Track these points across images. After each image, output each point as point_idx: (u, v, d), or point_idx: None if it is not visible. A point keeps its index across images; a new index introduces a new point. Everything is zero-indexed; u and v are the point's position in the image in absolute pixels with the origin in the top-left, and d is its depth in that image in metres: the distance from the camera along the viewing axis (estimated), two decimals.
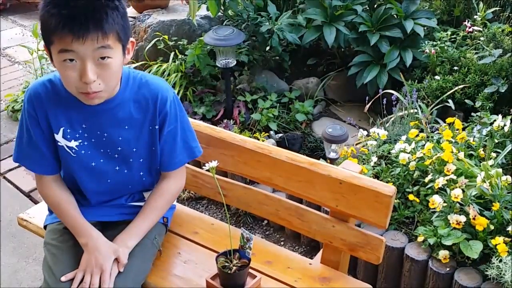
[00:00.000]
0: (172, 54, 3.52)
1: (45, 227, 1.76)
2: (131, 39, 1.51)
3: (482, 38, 3.17)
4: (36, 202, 2.88)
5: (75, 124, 1.55)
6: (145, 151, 1.63)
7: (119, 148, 1.59)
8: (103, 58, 1.39)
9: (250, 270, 1.59)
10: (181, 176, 1.74)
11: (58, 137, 1.55)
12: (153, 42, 3.55)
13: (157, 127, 1.59)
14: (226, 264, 1.55)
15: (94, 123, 1.55)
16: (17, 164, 3.23)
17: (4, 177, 3.16)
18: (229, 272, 1.53)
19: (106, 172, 1.62)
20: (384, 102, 2.98)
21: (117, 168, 1.62)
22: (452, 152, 2.21)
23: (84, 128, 1.55)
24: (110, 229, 1.66)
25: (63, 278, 1.50)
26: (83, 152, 1.57)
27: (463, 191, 2.06)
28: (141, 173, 1.67)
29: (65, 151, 1.57)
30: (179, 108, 1.64)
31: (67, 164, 1.60)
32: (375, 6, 3.51)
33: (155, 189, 1.70)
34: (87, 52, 1.36)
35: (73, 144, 1.56)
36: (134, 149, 1.61)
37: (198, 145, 1.71)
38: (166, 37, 3.57)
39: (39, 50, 3.78)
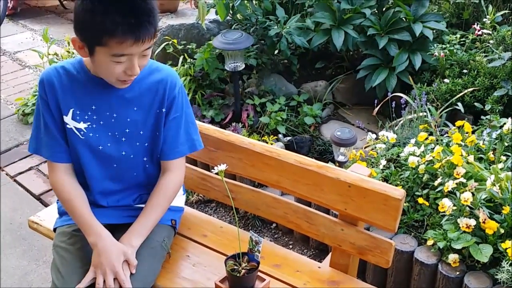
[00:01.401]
0: (181, 58, 3.53)
1: (54, 229, 1.77)
2: None
3: (491, 41, 3.15)
4: (46, 205, 2.90)
5: (84, 105, 1.58)
6: (150, 134, 1.65)
7: (127, 130, 1.62)
8: (144, 51, 1.48)
9: (259, 273, 1.59)
10: (180, 169, 1.74)
11: (67, 119, 1.58)
12: (162, 46, 3.57)
13: (164, 110, 1.63)
14: (235, 267, 1.55)
15: (104, 104, 1.58)
16: (27, 167, 3.28)
17: (15, 180, 3.19)
18: (238, 275, 1.53)
19: (112, 156, 1.63)
20: (393, 105, 2.97)
21: (124, 152, 1.64)
22: (461, 155, 2.20)
23: (94, 110, 1.59)
24: (118, 232, 1.67)
25: (80, 285, 1.52)
26: (91, 134, 1.60)
27: (473, 194, 2.05)
28: (145, 159, 1.68)
29: (73, 133, 1.59)
30: (185, 99, 1.69)
31: (74, 147, 1.61)
32: (384, 9, 3.51)
33: (155, 187, 1.70)
34: (139, 51, 1.45)
35: (82, 126, 1.59)
36: (141, 132, 1.64)
37: (199, 138, 1.74)
38: (175, 41, 3.59)
39: (49, 54, 3.82)
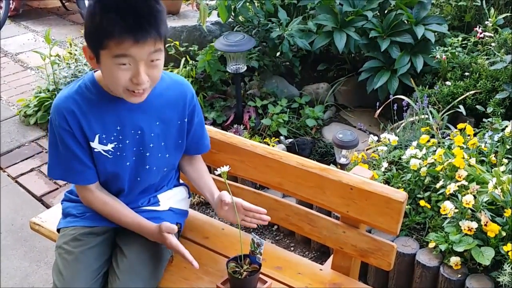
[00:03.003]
0: (183, 60, 3.54)
1: (58, 230, 1.77)
2: None
3: (493, 44, 3.15)
4: (48, 206, 2.90)
5: (109, 128, 1.57)
6: (172, 145, 1.68)
7: (151, 145, 1.63)
8: (153, 60, 1.45)
9: (261, 276, 1.59)
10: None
11: (94, 144, 1.57)
12: None
13: (186, 119, 1.68)
14: (237, 269, 1.56)
15: (128, 122, 1.58)
16: (29, 168, 3.29)
17: (16, 181, 3.19)
18: (239, 277, 1.53)
19: (138, 171, 1.64)
20: (395, 107, 2.97)
21: (147, 166, 1.65)
22: (463, 158, 2.20)
23: (119, 130, 1.58)
24: (126, 233, 1.67)
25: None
26: (118, 153, 1.60)
27: (475, 197, 2.05)
28: (165, 169, 1.72)
29: (101, 155, 1.59)
30: None
31: (104, 167, 1.61)
32: (386, 12, 3.52)
33: (197, 169, 1.79)
34: (142, 56, 1.42)
35: (109, 147, 1.58)
36: (163, 143, 1.65)
37: None
38: (177, 43, 3.59)
39: (51, 56, 3.82)
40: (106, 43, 1.40)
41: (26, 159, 3.41)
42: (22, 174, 3.25)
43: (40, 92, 3.86)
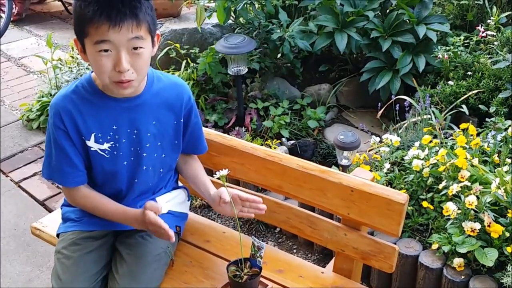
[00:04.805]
0: (184, 63, 3.54)
1: (58, 235, 1.77)
2: (157, 32, 1.55)
3: (495, 43, 3.14)
4: (50, 211, 2.90)
5: (105, 127, 1.57)
6: (169, 145, 1.68)
7: (148, 145, 1.62)
8: (135, 48, 1.44)
9: (262, 279, 1.59)
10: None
11: (90, 143, 1.57)
12: (165, 50, 3.58)
13: (182, 120, 1.67)
14: (237, 273, 1.55)
15: (124, 122, 1.58)
16: (32, 173, 3.29)
17: (19, 186, 3.19)
18: (240, 281, 1.53)
19: (135, 172, 1.64)
20: (397, 108, 2.96)
21: (144, 167, 1.65)
22: (466, 158, 2.18)
23: (115, 130, 1.58)
24: (125, 237, 1.67)
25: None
26: (115, 153, 1.60)
27: (478, 197, 2.03)
28: (161, 170, 1.71)
29: (98, 154, 1.58)
30: None
31: (101, 166, 1.60)
32: (387, 11, 3.50)
33: (191, 165, 1.79)
34: (122, 41, 1.41)
35: (106, 146, 1.58)
36: (159, 143, 1.65)
37: None
38: (178, 45, 3.59)
39: (54, 60, 3.83)
40: (87, 30, 1.41)
41: (29, 163, 3.41)
42: (25, 179, 3.26)
43: (42, 97, 3.87)
